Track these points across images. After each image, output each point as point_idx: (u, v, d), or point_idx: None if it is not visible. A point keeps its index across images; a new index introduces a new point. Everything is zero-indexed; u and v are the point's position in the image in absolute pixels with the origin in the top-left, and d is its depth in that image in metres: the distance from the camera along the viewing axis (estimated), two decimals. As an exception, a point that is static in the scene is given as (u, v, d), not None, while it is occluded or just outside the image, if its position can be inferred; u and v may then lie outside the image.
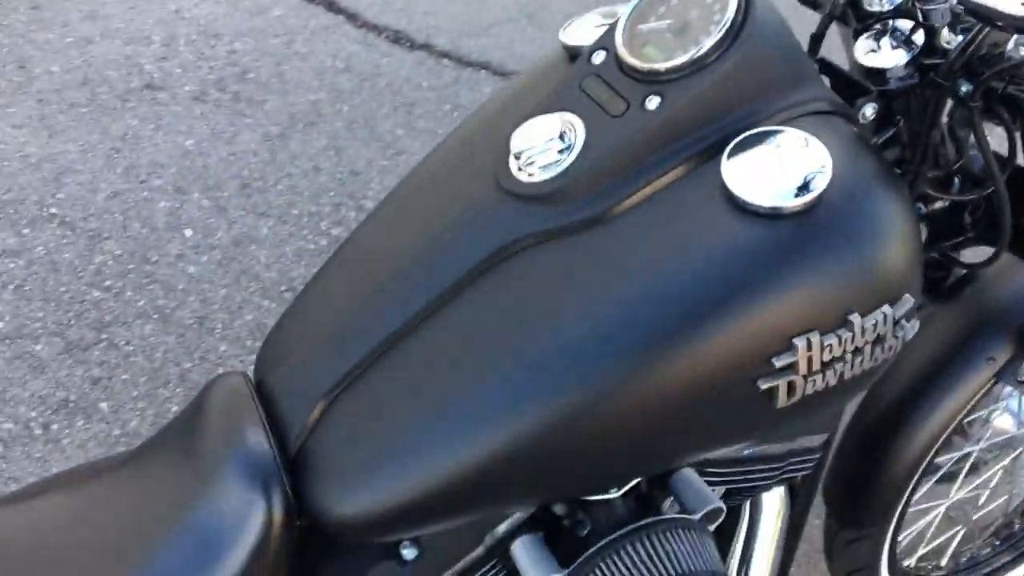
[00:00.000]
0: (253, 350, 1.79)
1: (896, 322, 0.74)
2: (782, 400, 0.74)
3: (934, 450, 1.25)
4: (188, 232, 2.00)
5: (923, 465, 1.26)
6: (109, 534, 0.81)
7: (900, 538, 1.39)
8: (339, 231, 2.05)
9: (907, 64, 0.87)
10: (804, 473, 1.01)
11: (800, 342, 0.71)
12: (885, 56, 0.87)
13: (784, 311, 0.71)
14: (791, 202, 0.70)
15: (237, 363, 1.76)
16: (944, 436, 1.24)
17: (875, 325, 0.73)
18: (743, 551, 1.10)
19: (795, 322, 0.71)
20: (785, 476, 0.99)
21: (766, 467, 0.95)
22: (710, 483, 0.91)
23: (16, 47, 2.39)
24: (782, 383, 0.73)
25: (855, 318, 0.72)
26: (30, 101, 2.25)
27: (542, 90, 0.83)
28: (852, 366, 0.74)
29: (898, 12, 0.88)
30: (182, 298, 1.86)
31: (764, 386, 0.73)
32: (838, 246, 0.72)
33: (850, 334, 0.72)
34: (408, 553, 0.83)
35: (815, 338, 0.72)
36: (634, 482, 0.87)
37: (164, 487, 0.82)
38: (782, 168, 0.72)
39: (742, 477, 0.95)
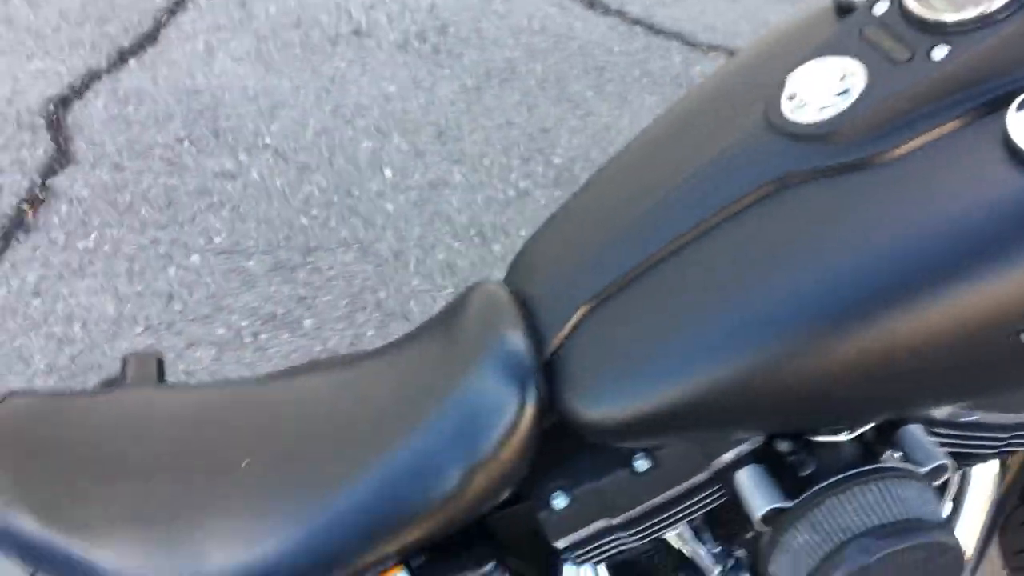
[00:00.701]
0: (443, 287, 1.88)
1: None
2: (1041, 350, 0.75)
3: None
4: (388, 172, 2.11)
5: None
6: (371, 412, 0.89)
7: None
8: (527, 184, 2.11)
9: None
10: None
11: (1073, 296, 0.72)
12: None
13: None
14: (1079, 159, 0.71)
15: (428, 299, 1.86)
16: None
17: None
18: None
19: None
20: (1006, 449, 0.98)
21: (991, 436, 0.96)
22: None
23: (239, -13, 2.56)
24: (1043, 332, 0.74)
25: None
26: (249, 38, 2.41)
27: (815, 38, 0.85)
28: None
29: None
30: (380, 232, 1.97)
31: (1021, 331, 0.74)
32: None
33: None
34: (640, 465, 0.88)
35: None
36: (860, 430, 0.90)
37: (424, 376, 0.90)
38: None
39: (966, 443, 0.95)
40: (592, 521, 0.89)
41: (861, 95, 0.78)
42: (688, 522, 0.98)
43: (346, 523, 0.84)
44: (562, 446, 0.89)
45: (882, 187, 0.77)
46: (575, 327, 0.84)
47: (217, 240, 1.94)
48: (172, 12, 2.47)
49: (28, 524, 0.78)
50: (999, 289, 0.73)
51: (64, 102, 2.22)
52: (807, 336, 0.76)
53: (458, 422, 0.84)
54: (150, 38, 2.40)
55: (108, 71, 2.30)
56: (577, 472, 0.89)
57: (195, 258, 1.90)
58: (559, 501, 0.88)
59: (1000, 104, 0.75)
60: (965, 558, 0.92)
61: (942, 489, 1.10)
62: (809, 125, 0.79)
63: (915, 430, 0.90)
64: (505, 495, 0.87)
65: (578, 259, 0.87)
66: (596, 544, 0.91)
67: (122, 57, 2.34)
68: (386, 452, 0.85)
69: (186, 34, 2.41)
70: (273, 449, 0.90)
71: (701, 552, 0.99)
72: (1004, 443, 0.97)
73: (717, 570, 1.00)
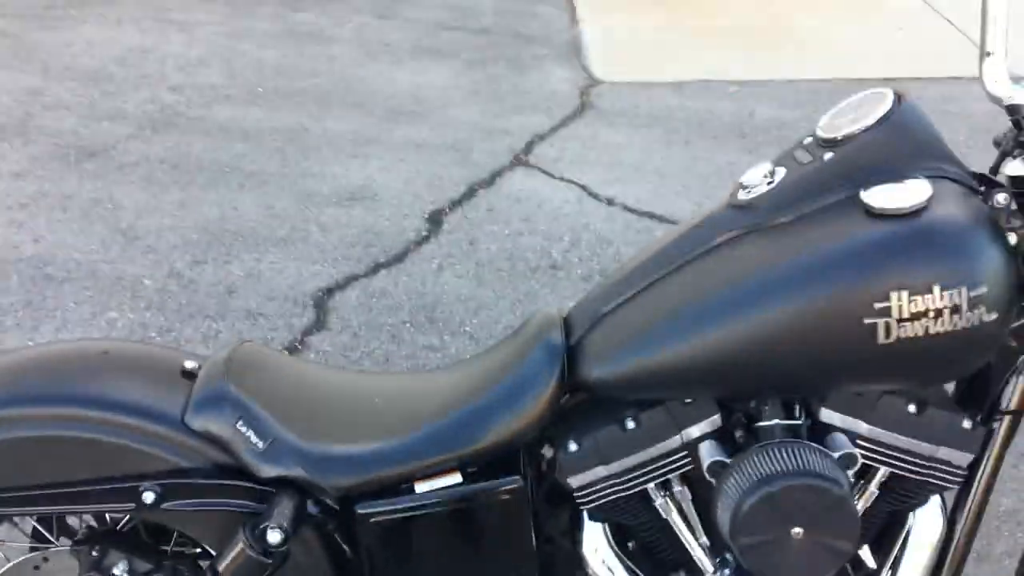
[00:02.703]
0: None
1: (971, 300, 1.10)
2: (881, 337, 1.13)
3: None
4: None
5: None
6: (460, 382, 1.38)
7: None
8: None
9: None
10: (944, 487, 1.28)
11: (895, 294, 1.11)
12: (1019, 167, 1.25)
13: (888, 275, 1.12)
14: (902, 209, 1.13)
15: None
16: None
17: (951, 296, 1.10)
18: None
19: (894, 283, 1.11)
20: (930, 482, 1.28)
21: (911, 460, 1.26)
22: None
23: (471, 231, 3.34)
24: (880, 322, 1.12)
25: (936, 288, 1.10)
26: (471, 264, 3.14)
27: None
28: (935, 323, 1.11)
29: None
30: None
31: (867, 321, 1.12)
32: (932, 240, 1.12)
33: (930, 296, 1.10)
34: (629, 424, 1.28)
35: (905, 295, 1.11)
36: (798, 422, 1.25)
37: (496, 362, 1.38)
38: (901, 195, 1.15)
39: (884, 459, 1.26)
40: (593, 467, 1.29)
41: (777, 183, 1.24)
42: (689, 527, 1.33)
43: (430, 439, 1.31)
44: (578, 414, 1.32)
45: (786, 237, 1.22)
46: (591, 327, 1.30)
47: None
48: (419, 243, 3.27)
49: (253, 406, 1.29)
50: (852, 292, 1.13)
51: (328, 291, 2.99)
52: (731, 329, 1.19)
53: (509, 387, 1.32)
54: (399, 258, 3.18)
55: (364, 275, 3.08)
56: (586, 427, 1.31)
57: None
58: (571, 446, 1.30)
59: (861, 186, 1.19)
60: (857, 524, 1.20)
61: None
62: (747, 200, 1.26)
63: (839, 436, 1.25)
64: (534, 433, 1.30)
65: (600, 293, 1.36)
66: (597, 488, 1.29)
67: (376, 268, 3.12)
68: (464, 402, 1.32)
69: (425, 258, 3.18)
70: (396, 398, 1.40)
71: (701, 552, 1.33)
72: (925, 472, 1.26)
73: (711, 567, 1.33)
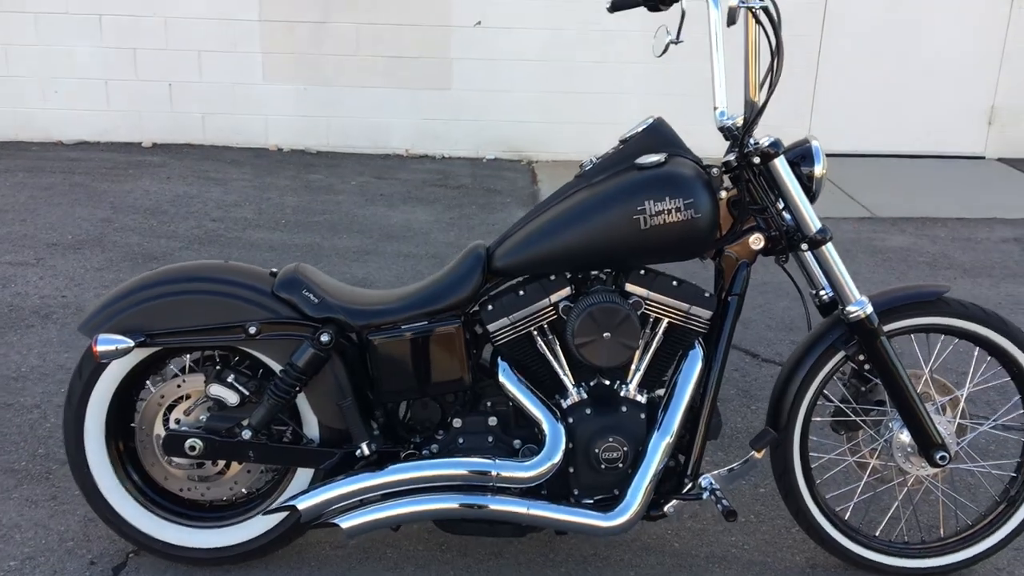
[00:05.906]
0: None
1: (684, 205, 2.19)
2: (642, 225, 2.21)
3: (817, 381, 2.41)
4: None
5: (809, 390, 2.41)
6: (430, 280, 2.44)
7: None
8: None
9: (734, 160, 2.35)
10: (698, 332, 2.33)
11: (647, 202, 2.20)
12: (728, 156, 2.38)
13: (643, 193, 2.23)
14: (653, 163, 2.24)
15: None
16: (820, 378, 2.41)
17: (674, 202, 2.20)
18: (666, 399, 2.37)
19: (645, 196, 2.22)
20: (689, 328, 2.33)
21: (676, 313, 2.33)
22: (647, 313, 2.30)
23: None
24: (640, 217, 2.22)
25: (667, 198, 2.21)
26: (444, 323, 4.17)
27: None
28: (667, 216, 2.20)
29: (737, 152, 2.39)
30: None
31: (634, 217, 2.22)
32: (665, 176, 2.24)
33: (663, 202, 2.20)
34: (520, 292, 2.35)
35: (652, 201, 2.20)
36: (609, 289, 2.31)
37: (450, 267, 2.45)
38: (653, 158, 2.27)
39: (662, 312, 2.31)
40: (500, 318, 2.33)
41: (596, 163, 2.37)
42: (559, 362, 2.35)
43: (409, 304, 2.39)
44: (496, 292, 2.37)
45: (597, 186, 2.33)
46: (500, 241, 2.38)
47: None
48: (406, 312, 4.32)
49: (311, 283, 2.37)
50: (627, 204, 2.25)
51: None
52: (571, 234, 2.30)
53: (454, 276, 2.42)
54: (390, 319, 4.22)
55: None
56: (497, 296, 2.36)
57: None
58: (488, 306, 2.35)
59: (635, 158, 2.31)
60: (638, 334, 2.23)
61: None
62: (581, 172, 2.40)
63: (634, 296, 2.30)
64: (470, 304, 2.35)
65: (511, 226, 2.44)
66: (503, 332, 2.32)
67: (373, 325, 4.15)
68: (430, 285, 2.41)
69: (410, 320, 4.22)
70: (392, 289, 2.46)
71: (566, 378, 2.36)
72: (683, 319, 2.31)
73: (571, 387, 2.35)
